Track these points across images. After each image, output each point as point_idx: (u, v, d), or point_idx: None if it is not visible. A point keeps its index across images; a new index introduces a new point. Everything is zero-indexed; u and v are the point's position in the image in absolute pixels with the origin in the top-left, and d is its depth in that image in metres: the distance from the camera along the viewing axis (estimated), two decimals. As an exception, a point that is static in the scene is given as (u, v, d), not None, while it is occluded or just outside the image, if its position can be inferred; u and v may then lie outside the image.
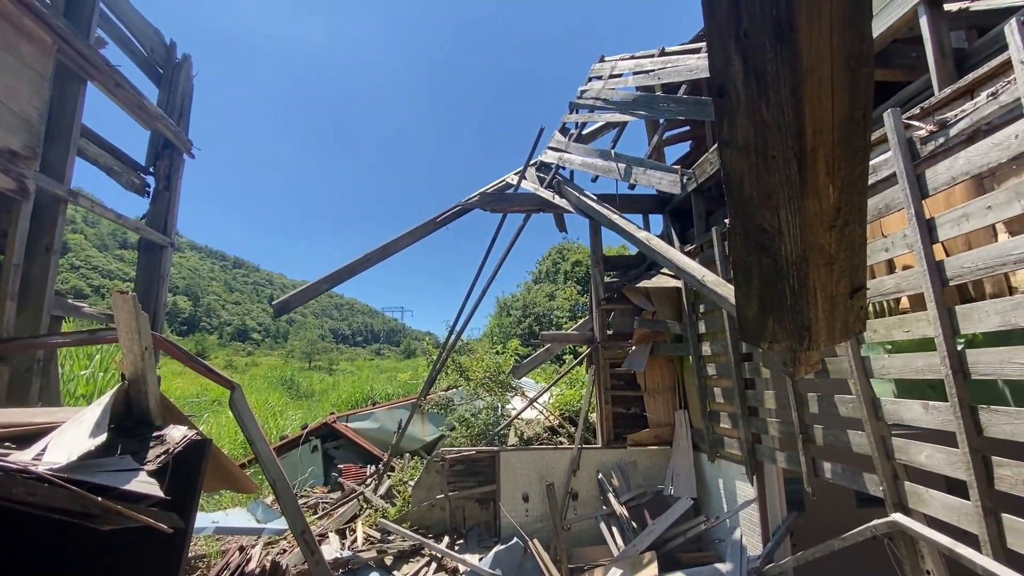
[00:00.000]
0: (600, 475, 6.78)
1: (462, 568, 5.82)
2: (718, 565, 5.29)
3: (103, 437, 1.52)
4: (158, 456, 1.74)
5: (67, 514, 1.34)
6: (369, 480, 8.66)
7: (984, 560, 2.53)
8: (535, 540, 6.13)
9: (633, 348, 7.20)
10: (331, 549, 5.96)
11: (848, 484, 3.85)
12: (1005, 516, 2.55)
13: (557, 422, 8.58)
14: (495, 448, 7.11)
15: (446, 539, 6.47)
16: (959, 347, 2.80)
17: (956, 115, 2.96)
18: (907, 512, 3.28)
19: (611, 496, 6.47)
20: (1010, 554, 2.50)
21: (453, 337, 8.33)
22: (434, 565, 6.04)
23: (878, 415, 3.45)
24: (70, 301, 3.88)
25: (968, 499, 2.71)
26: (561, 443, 7.82)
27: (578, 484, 6.74)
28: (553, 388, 9.50)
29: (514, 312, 35.23)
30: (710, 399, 6.10)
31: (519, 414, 8.42)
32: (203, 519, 5.82)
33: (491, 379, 8.74)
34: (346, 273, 6.90)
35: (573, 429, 8.10)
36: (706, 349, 6.04)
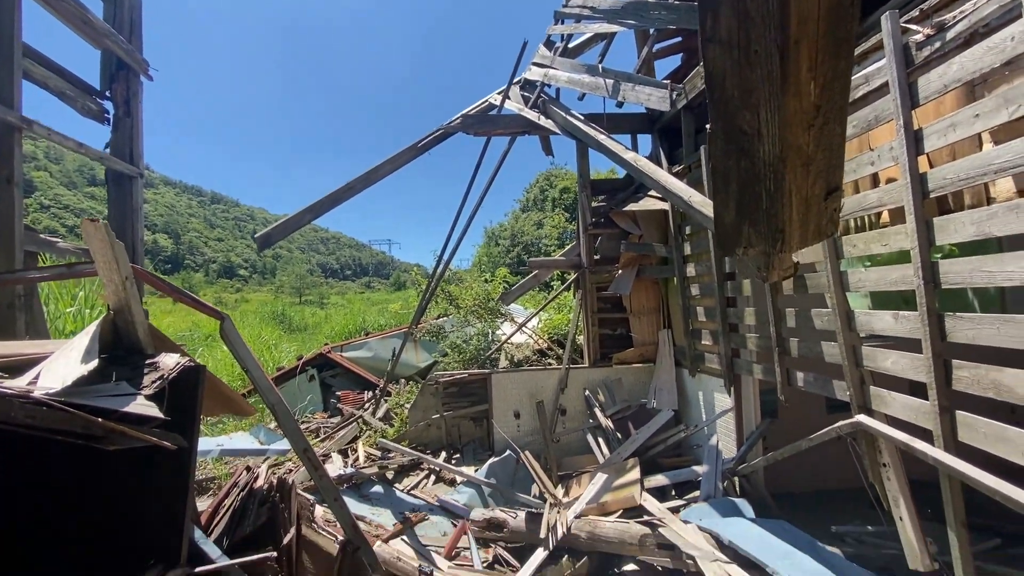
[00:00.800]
0: (587, 392, 7.13)
1: (459, 479, 6.23)
2: (695, 467, 5.73)
3: (95, 362, 1.54)
4: (153, 382, 1.79)
5: (69, 436, 1.38)
6: (367, 405, 9.01)
7: (936, 452, 2.77)
8: (527, 452, 6.54)
9: (620, 272, 7.30)
10: (335, 467, 6.33)
11: (819, 391, 4.09)
12: (959, 413, 2.75)
13: (546, 346, 8.85)
14: (487, 370, 7.38)
15: (443, 454, 6.87)
16: (933, 259, 2.88)
17: (955, 16, 2.83)
18: (870, 413, 3.52)
19: (597, 411, 6.84)
20: (960, 446, 2.73)
21: (441, 267, 8.35)
22: (432, 477, 6.47)
23: (851, 326, 3.60)
24: (43, 236, 3.78)
25: (927, 399, 2.91)
26: (550, 364, 8.11)
27: (566, 401, 7.09)
28: (541, 313, 9.71)
29: (502, 242, 35.14)
30: (693, 318, 6.30)
31: (508, 338, 8.66)
32: (208, 443, 6.10)
33: (480, 306, 8.88)
34: (328, 203, 6.74)
35: (561, 352, 8.38)
36: (690, 270, 6.14)
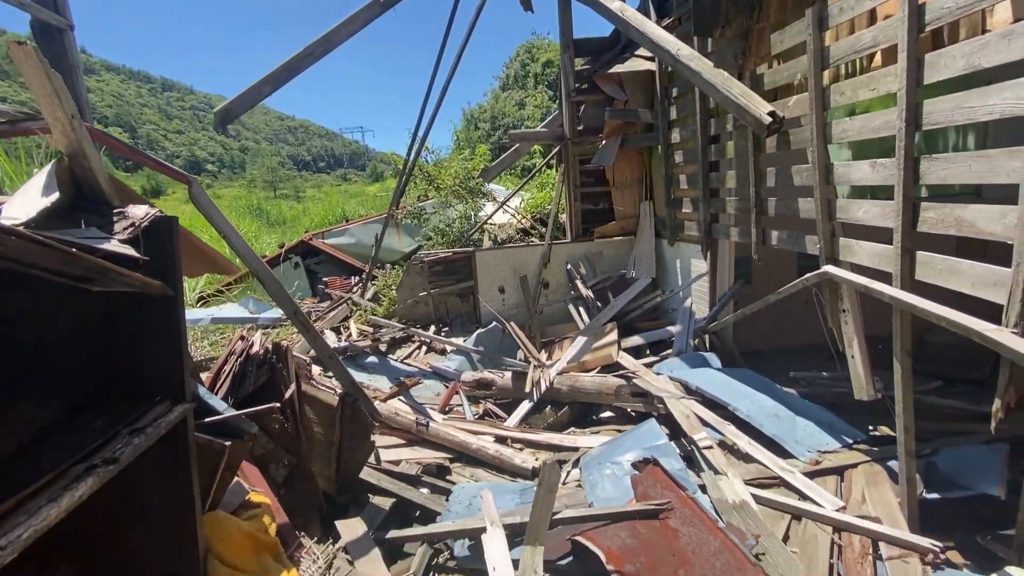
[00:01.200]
0: (569, 266, 7.30)
1: (449, 348, 6.59)
2: (669, 328, 6.11)
3: (56, 195, 1.50)
4: (125, 229, 1.76)
5: (46, 272, 1.38)
6: (354, 289, 9.18)
7: (893, 290, 2.96)
8: (512, 323, 6.86)
9: (603, 143, 7.08)
10: (329, 343, 6.61)
11: (791, 247, 4.24)
12: (919, 253, 2.89)
13: (529, 224, 8.85)
14: (470, 249, 7.45)
15: (432, 328, 7.18)
16: (917, 100, 2.81)
17: None
18: (837, 264, 3.69)
19: (578, 282, 7.07)
20: (916, 284, 2.92)
21: (417, 143, 7.99)
22: (424, 348, 6.83)
23: (828, 179, 3.62)
24: (-23, 107, 3.45)
25: (891, 244, 3.03)
26: (533, 242, 8.19)
27: (549, 275, 7.28)
28: (524, 193, 9.57)
29: (482, 125, 33.39)
30: (675, 187, 6.28)
31: (491, 216, 8.61)
32: (199, 312, 6.26)
33: (461, 186, 8.68)
34: (286, 73, 6.20)
35: (544, 230, 8.42)
36: (675, 136, 5.99)
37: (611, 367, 5.71)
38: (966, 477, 3.34)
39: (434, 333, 7.01)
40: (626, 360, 5.71)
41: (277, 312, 7.19)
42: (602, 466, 3.90)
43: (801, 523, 3.18)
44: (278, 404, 3.05)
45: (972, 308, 2.45)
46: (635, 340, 6.17)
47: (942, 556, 2.83)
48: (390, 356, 6.59)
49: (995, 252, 2.39)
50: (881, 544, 2.91)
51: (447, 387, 5.81)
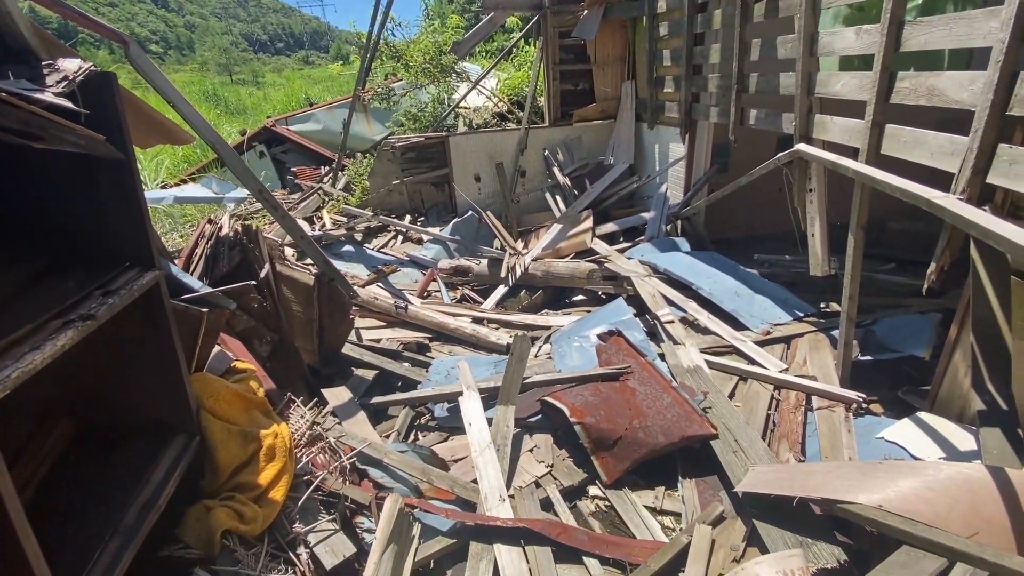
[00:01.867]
0: (546, 152, 7.12)
1: (425, 237, 6.61)
2: (643, 214, 6.18)
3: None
4: (59, 82, 1.64)
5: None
6: (325, 179, 8.87)
7: (857, 165, 3.01)
8: (488, 212, 6.83)
9: (585, 12, 6.53)
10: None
11: (769, 127, 4.18)
12: (888, 126, 2.90)
13: (506, 108, 8.44)
14: (444, 133, 7.15)
15: (408, 217, 7.13)
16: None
17: None
18: (811, 142, 3.69)
19: (556, 170, 6.95)
20: (881, 158, 2.96)
21: (380, 14, 7.26)
22: (400, 238, 6.83)
23: (812, 51, 3.49)
24: None
25: (862, 118, 3.02)
26: (509, 127, 7.87)
27: (526, 162, 7.12)
28: (500, 72, 8.97)
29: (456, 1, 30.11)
30: (658, 64, 5.96)
31: (464, 97, 8.15)
32: (160, 192, 6.05)
33: (432, 64, 8.06)
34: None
35: (521, 114, 8.04)
36: (661, 4, 5.55)
37: (585, 253, 5.85)
38: (898, 342, 3.68)
39: (410, 223, 6.97)
40: (600, 246, 5.83)
41: (242, 191, 6.97)
42: (571, 340, 4.17)
43: (747, 383, 3.54)
44: (254, 282, 3.10)
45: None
46: (609, 227, 6.26)
47: (864, 406, 3.22)
48: (366, 245, 6.59)
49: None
50: (813, 398, 3.28)
51: (424, 274, 5.92)
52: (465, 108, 8.41)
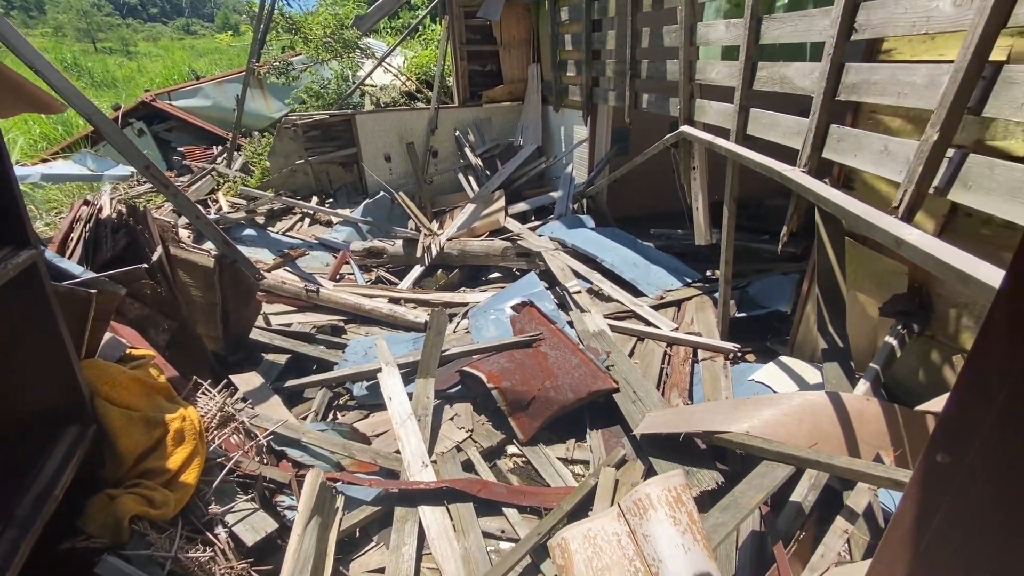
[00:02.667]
0: (457, 132, 7.16)
1: (335, 219, 6.41)
2: (552, 194, 6.47)
3: None
4: None
5: None
6: (219, 159, 8.22)
7: (728, 144, 3.42)
8: (401, 193, 6.76)
9: (489, -6, 6.60)
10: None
11: (658, 110, 4.56)
12: (752, 110, 3.32)
13: (414, 87, 8.31)
14: (349, 111, 6.92)
15: (315, 199, 6.85)
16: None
17: None
18: (692, 124, 4.10)
19: (468, 150, 7.02)
20: (747, 137, 3.39)
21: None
22: (307, 220, 6.56)
23: (692, 40, 3.86)
24: None
25: (732, 103, 3.43)
26: (418, 107, 7.79)
27: (437, 142, 7.11)
28: (407, 51, 8.79)
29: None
30: (561, 48, 6.21)
31: (370, 74, 7.92)
32: (24, 170, 5.28)
33: (334, 39, 7.72)
34: None
35: (431, 93, 7.98)
36: (561, -10, 5.78)
37: (499, 232, 6.03)
38: (767, 299, 4.26)
39: (317, 204, 6.72)
40: (512, 225, 6.04)
41: (125, 168, 6.28)
42: (487, 313, 4.34)
43: (644, 342, 3.92)
44: (145, 265, 2.90)
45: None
46: (521, 206, 6.48)
47: (740, 355, 3.72)
48: (270, 229, 6.27)
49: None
50: (699, 351, 3.73)
51: (336, 257, 5.77)
52: (371, 86, 8.17)
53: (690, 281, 4.70)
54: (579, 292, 4.48)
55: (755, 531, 2.36)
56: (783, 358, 3.51)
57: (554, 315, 4.08)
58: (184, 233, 3.76)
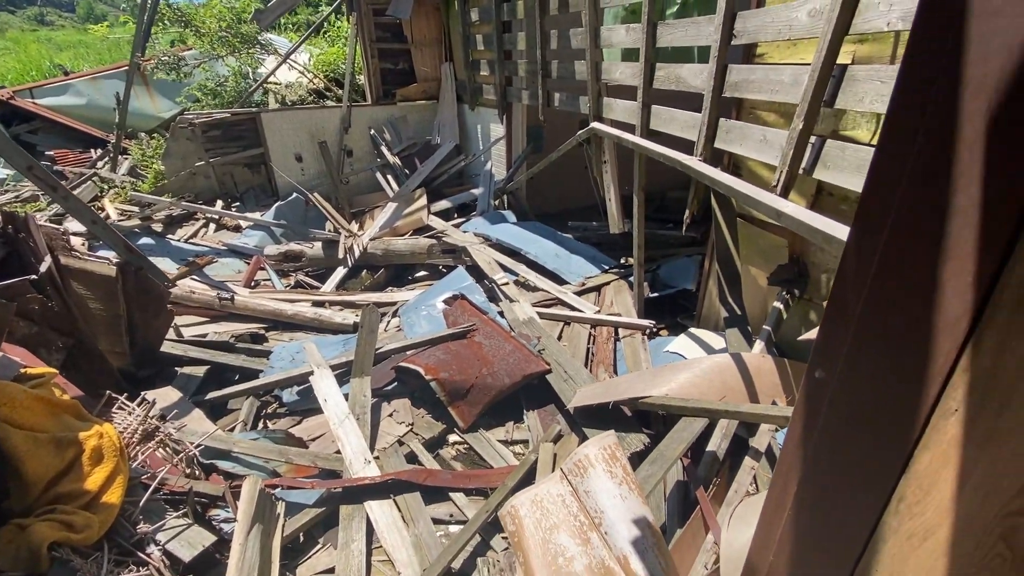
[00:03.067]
0: (372, 131, 7.04)
1: (244, 224, 6.06)
2: (473, 191, 6.58)
3: None
4: None
5: None
6: (100, 163, 7.40)
7: (634, 138, 3.73)
8: (315, 194, 6.52)
9: (397, -9, 6.56)
10: (78, 226, 5.45)
11: (570, 108, 4.83)
12: (653, 107, 3.66)
13: (323, 85, 8.03)
14: (254, 109, 6.55)
15: (219, 203, 6.42)
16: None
17: None
18: (602, 121, 4.40)
19: (384, 149, 6.93)
20: (651, 132, 3.72)
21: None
22: (212, 226, 6.13)
23: (597, 43, 4.15)
24: None
25: (635, 100, 3.75)
26: (329, 105, 7.54)
27: (351, 141, 6.94)
28: (313, 48, 8.46)
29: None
30: (473, 48, 6.33)
31: (272, 72, 7.54)
32: None
33: (230, 33, 7.25)
34: None
35: (341, 92, 7.75)
36: (470, -9, 5.90)
37: (422, 230, 6.03)
38: (675, 280, 4.69)
39: (222, 208, 6.29)
40: (436, 222, 6.07)
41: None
42: (419, 310, 4.36)
43: (570, 326, 4.16)
44: (34, 276, 2.61)
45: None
46: (443, 204, 6.52)
47: (655, 330, 4.07)
48: (170, 236, 5.78)
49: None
50: (619, 329, 4.03)
51: (249, 263, 5.46)
52: (276, 83, 7.77)
53: (607, 268, 5.04)
54: (507, 284, 4.64)
55: (680, 481, 2.64)
56: (692, 329, 3.91)
57: (485, 306, 4.20)
58: (77, 241, 3.39)
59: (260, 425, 3.37)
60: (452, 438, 3.34)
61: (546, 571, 1.92)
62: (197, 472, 2.44)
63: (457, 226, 6.01)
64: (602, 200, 4.78)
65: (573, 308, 4.34)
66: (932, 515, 1.01)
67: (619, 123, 4.13)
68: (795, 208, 2.08)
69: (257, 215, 6.09)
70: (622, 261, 5.29)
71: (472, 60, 6.44)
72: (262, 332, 4.36)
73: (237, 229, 6.08)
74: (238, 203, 6.59)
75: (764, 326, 3.07)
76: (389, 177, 6.84)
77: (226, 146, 6.46)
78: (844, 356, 1.18)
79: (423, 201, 6.22)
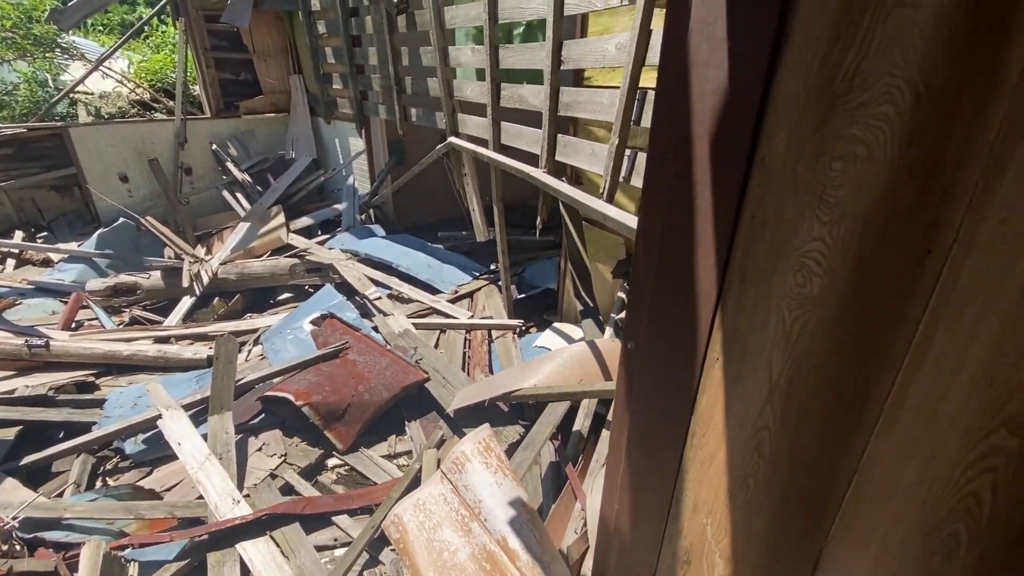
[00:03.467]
0: (215, 146, 6.47)
1: (56, 257, 5.18)
2: (336, 206, 6.39)
3: None
4: None
5: None
6: None
7: (488, 152, 3.98)
8: (149, 217, 5.80)
9: (231, -2, 6.13)
10: None
11: (427, 124, 4.97)
12: (502, 123, 3.95)
13: (149, 96, 7.15)
14: (58, 123, 5.63)
15: (19, 234, 5.40)
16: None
17: None
18: (458, 136, 4.60)
19: (231, 165, 6.41)
20: (503, 146, 4.00)
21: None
22: (13, 261, 5.14)
23: (446, 61, 4.34)
24: None
25: (486, 116, 4.01)
26: (158, 118, 6.75)
27: (190, 158, 6.31)
28: (132, 54, 7.49)
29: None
30: (323, 61, 6.16)
31: (81, 81, 6.53)
32: None
33: (18, 34, 6.13)
34: None
35: (172, 103, 6.98)
36: (315, 3, 5.74)
37: (282, 249, 5.69)
38: (539, 281, 5.06)
39: (23, 240, 5.31)
40: (298, 241, 5.78)
41: None
42: (284, 334, 4.14)
43: (446, 333, 4.28)
44: None
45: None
46: (305, 221, 6.23)
47: (525, 328, 4.37)
48: (-51, 278, 4.72)
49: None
50: (493, 331, 4.25)
51: (66, 302, 4.69)
52: (87, 93, 6.74)
53: (478, 274, 5.26)
54: (379, 298, 4.61)
55: (552, 462, 2.90)
56: (556, 324, 4.27)
57: (358, 323, 4.13)
58: None
59: (99, 484, 2.95)
60: (332, 462, 3.25)
61: (432, 568, 2.01)
62: (18, 547, 2.09)
63: (322, 243, 5.79)
64: (467, 210, 4.99)
65: (448, 315, 4.47)
66: (713, 443, 1.32)
67: (475, 138, 4.37)
68: (617, 211, 2.45)
69: (73, 246, 5.23)
70: (492, 267, 5.56)
71: (323, 73, 6.26)
72: (91, 380, 3.79)
73: (47, 263, 5.17)
74: (46, 233, 5.59)
75: (612, 315, 3.50)
76: (239, 195, 6.33)
77: (23, 167, 5.45)
78: (644, 327, 1.47)
79: (281, 219, 5.88)
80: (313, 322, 4.04)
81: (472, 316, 4.47)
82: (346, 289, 4.90)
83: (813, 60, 0.93)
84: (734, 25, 1.02)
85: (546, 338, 3.99)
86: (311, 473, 3.15)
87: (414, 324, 4.28)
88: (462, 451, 2.28)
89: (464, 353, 4.02)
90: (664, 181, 1.27)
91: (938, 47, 0.77)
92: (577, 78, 3.50)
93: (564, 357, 3.21)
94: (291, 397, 3.23)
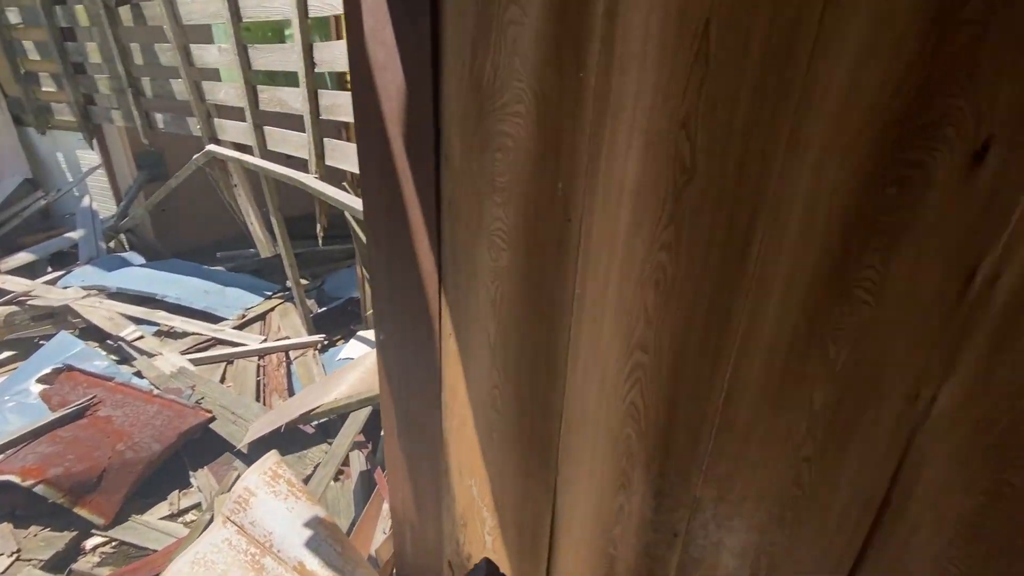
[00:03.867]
0: None
1: None
2: (69, 234, 5.20)
3: None
4: None
5: None
6: None
7: (255, 160, 3.69)
8: None
9: None
10: None
11: (178, 130, 4.36)
12: (265, 128, 3.68)
13: None
14: None
15: None
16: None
17: None
18: (219, 143, 4.14)
19: None
20: (268, 153, 3.73)
21: None
22: None
23: (191, 62, 3.86)
24: None
25: (246, 121, 3.69)
26: None
27: None
28: None
29: None
30: (23, 58, 4.93)
31: None
32: None
33: None
34: None
35: None
36: (-5, -16, 4.55)
37: (-10, 298, 4.42)
38: (341, 291, 4.87)
39: None
40: (15, 283, 4.54)
41: None
42: (2, 403, 3.24)
43: (235, 364, 3.84)
44: None
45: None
46: (24, 257, 4.94)
47: (328, 342, 4.16)
48: None
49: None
50: (291, 352, 3.96)
51: None
52: None
53: (270, 294, 4.82)
54: (141, 337, 3.91)
55: (363, 471, 2.85)
56: (360, 332, 4.17)
57: (112, 371, 3.45)
58: None
59: None
60: (93, 542, 2.67)
61: (222, 622, 1.82)
62: None
63: (52, 282, 4.66)
64: (243, 224, 4.53)
65: (235, 344, 4.01)
66: (460, 410, 1.45)
67: (239, 144, 3.98)
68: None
69: None
70: (286, 283, 5.14)
71: (26, 72, 5.01)
72: None
73: None
74: None
75: (410, 313, 3.55)
76: (-93, 234, 4.71)
77: None
78: (388, 314, 1.54)
79: (-16, 259, 4.56)
80: (42, 380, 3.24)
81: (265, 340, 4.09)
82: (95, 334, 4.04)
83: (464, 67, 1.08)
84: (399, 32, 1.13)
85: (350, 348, 3.87)
86: (62, 563, 2.55)
87: (192, 360, 3.75)
88: (245, 487, 2.09)
89: (259, 381, 3.66)
90: (374, 178, 1.35)
91: (540, 54, 0.96)
92: (341, 81, 3.44)
93: (368, 363, 3.16)
94: (16, 479, 2.57)
